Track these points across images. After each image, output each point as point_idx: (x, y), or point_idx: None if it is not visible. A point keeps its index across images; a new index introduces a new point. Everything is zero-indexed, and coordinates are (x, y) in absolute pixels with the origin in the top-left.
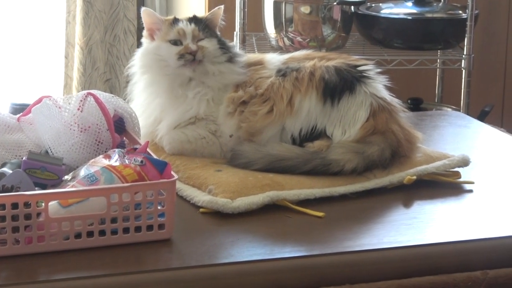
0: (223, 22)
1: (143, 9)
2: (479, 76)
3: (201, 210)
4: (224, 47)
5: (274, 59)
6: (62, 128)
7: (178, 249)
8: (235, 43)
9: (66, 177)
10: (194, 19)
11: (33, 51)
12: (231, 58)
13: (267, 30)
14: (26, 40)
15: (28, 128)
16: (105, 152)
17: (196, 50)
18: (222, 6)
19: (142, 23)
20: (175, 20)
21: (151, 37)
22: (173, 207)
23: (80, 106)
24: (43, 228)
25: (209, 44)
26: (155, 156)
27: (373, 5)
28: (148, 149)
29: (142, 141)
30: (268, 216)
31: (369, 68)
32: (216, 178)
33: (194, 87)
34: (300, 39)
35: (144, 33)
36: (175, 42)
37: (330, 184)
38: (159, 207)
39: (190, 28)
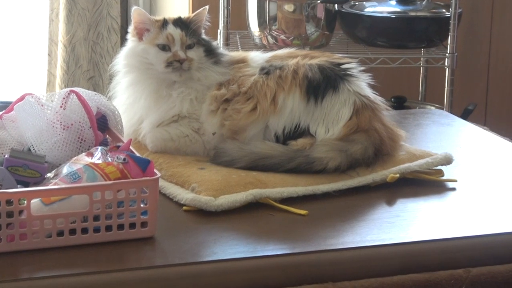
0: (208, 23)
1: (134, 8)
2: (462, 74)
3: (184, 208)
4: (209, 52)
5: (257, 57)
6: (45, 126)
7: (161, 247)
8: (219, 41)
9: (48, 174)
10: (180, 23)
11: (16, 48)
12: (216, 62)
13: (251, 28)
14: (9, 37)
15: (10, 125)
16: (88, 149)
17: (185, 59)
18: (207, 7)
19: (126, 21)
20: (165, 23)
21: (139, 36)
22: (156, 205)
23: (62, 104)
24: (25, 226)
25: (196, 55)
26: (138, 154)
27: (356, 3)
28: (131, 147)
29: (125, 139)
30: (251, 214)
31: (353, 66)
32: (199, 176)
33: (178, 88)
34: (284, 37)
35: (131, 31)
36: (164, 47)
37: (314, 182)
38: (142, 205)
39: (178, 33)
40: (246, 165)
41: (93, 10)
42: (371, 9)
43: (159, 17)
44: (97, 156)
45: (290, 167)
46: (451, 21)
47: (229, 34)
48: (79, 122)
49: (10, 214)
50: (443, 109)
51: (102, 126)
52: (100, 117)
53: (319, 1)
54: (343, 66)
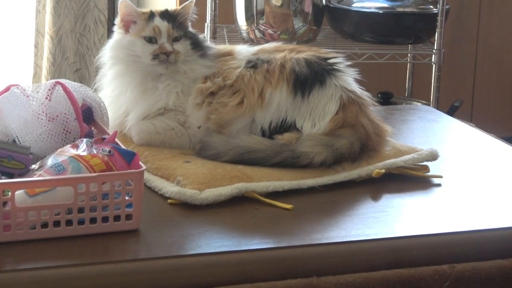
0: (195, 16)
1: (121, 0)
2: (449, 71)
3: (169, 201)
4: (196, 45)
5: (243, 50)
6: (30, 117)
7: (146, 240)
8: (206, 35)
9: (33, 166)
10: (167, 15)
11: (2, 39)
12: (203, 55)
13: (238, 22)
14: None
15: None
16: (73, 141)
17: (171, 51)
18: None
19: (113, 13)
20: (152, 15)
21: (126, 28)
22: (141, 198)
23: (48, 95)
24: (9, 217)
25: (183, 48)
26: (123, 147)
27: None
28: (116, 140)
29: (110, 131)
30: (236, 208)
31: (340, 61)
32: (185, 169)
33: (164, 80)
34: (271, 32)
35: (118, 23)
36: (150, 39)
37: (299, 176)
38: (126, 198)
39: (164, 25)
40: (232, 159)
41: (80, 2)
42: (358, 5)
43: (146, 9)
44: (82, 148)
45: (276, 161)
46: (439, 18)
47: (216, 27)
48: (65, 113)
49: None
50: (429, 105)
51: (88, 118)
52: (85, 109)
53: None
54: (330, 61)
